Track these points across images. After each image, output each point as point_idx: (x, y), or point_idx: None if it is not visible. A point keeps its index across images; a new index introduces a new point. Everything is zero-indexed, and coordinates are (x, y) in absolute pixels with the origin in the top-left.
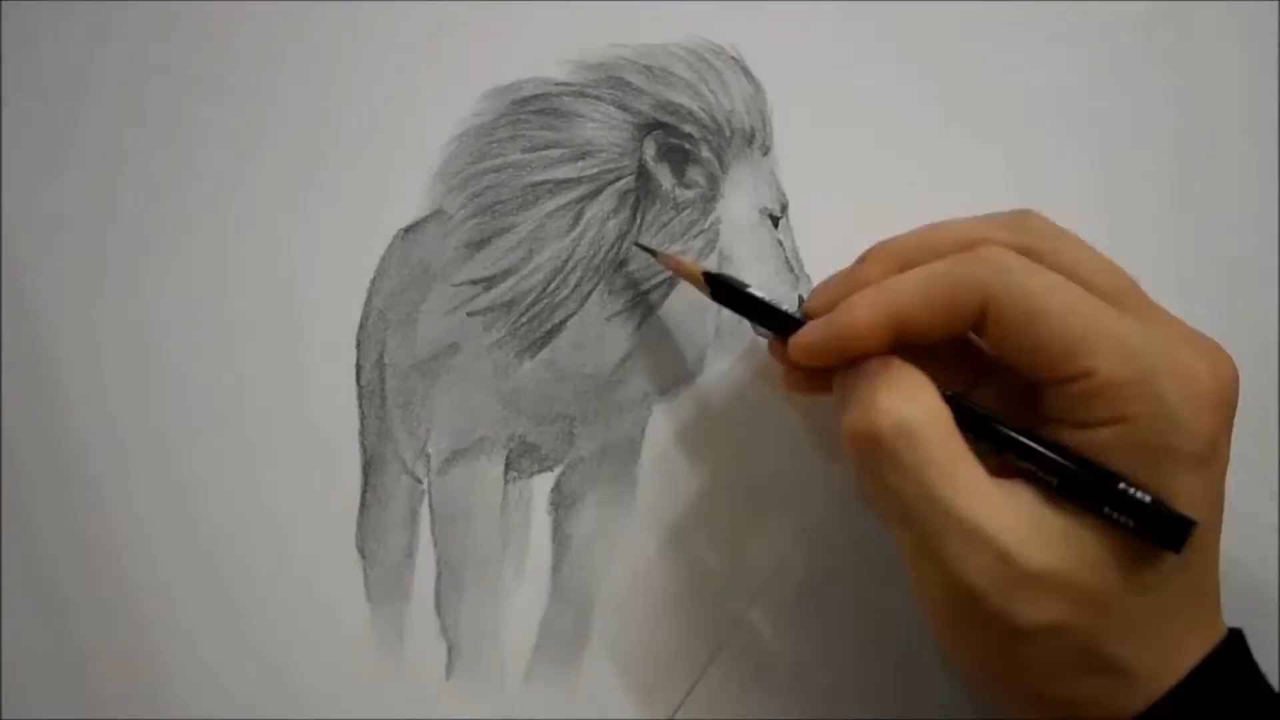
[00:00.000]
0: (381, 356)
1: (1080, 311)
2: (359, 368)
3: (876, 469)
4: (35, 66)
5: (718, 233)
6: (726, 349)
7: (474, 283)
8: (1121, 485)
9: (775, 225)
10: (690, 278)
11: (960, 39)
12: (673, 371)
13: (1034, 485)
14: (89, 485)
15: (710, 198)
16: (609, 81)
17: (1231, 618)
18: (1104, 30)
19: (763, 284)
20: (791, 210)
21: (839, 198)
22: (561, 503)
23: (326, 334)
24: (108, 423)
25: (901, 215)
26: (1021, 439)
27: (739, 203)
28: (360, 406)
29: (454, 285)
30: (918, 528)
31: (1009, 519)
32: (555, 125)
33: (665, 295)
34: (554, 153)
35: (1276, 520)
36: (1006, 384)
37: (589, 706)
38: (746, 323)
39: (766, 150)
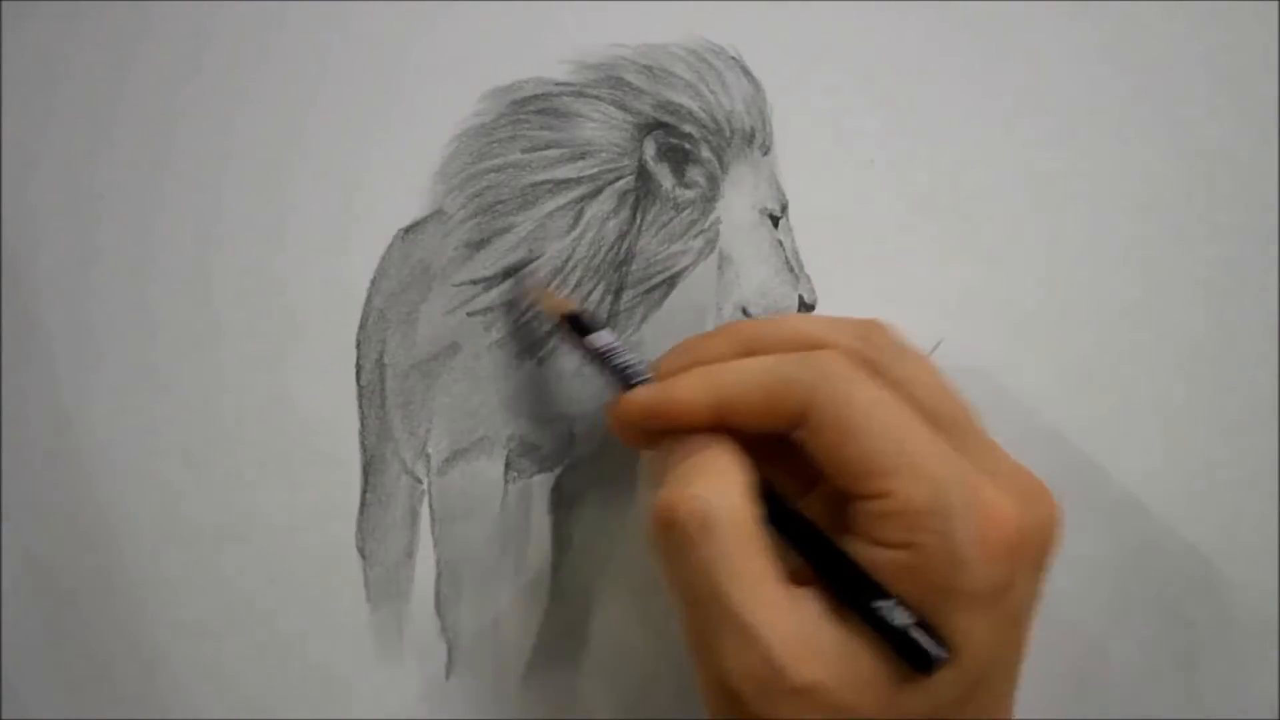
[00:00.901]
0: (381, 356)
1: (893, 433)
2: (359, 368)
3: (670, 553)
4: (18, 66)
5: (718, 233)
6: None
7: (474, 283)
8: (876, 604)
9: (775, 225)
10: (553, 311)
11: (961, 38)
12: None
13: (821, 595)
14: (88, 485)
15: (710, 198)
16: (609, 81)
17: (1231, 617)
18: (1105, 31)
19: (763, 284)
20: (791, 210)
21: (839, 198)
22: (561, 503)
23: (326, 334)
24: (107, 423)
25: (902, 215)
26: (811, 540)
27: (739, 203)
28: (360, 406)
29: (454, 285)
30: (698, 618)
31: (787, 626)
32: (555, 125)
33: (665, 295)
34: (554, 153)
35: (1277, 520)
36: (837, 491)
37: (589, 706)
38: None
39: (766, 150)
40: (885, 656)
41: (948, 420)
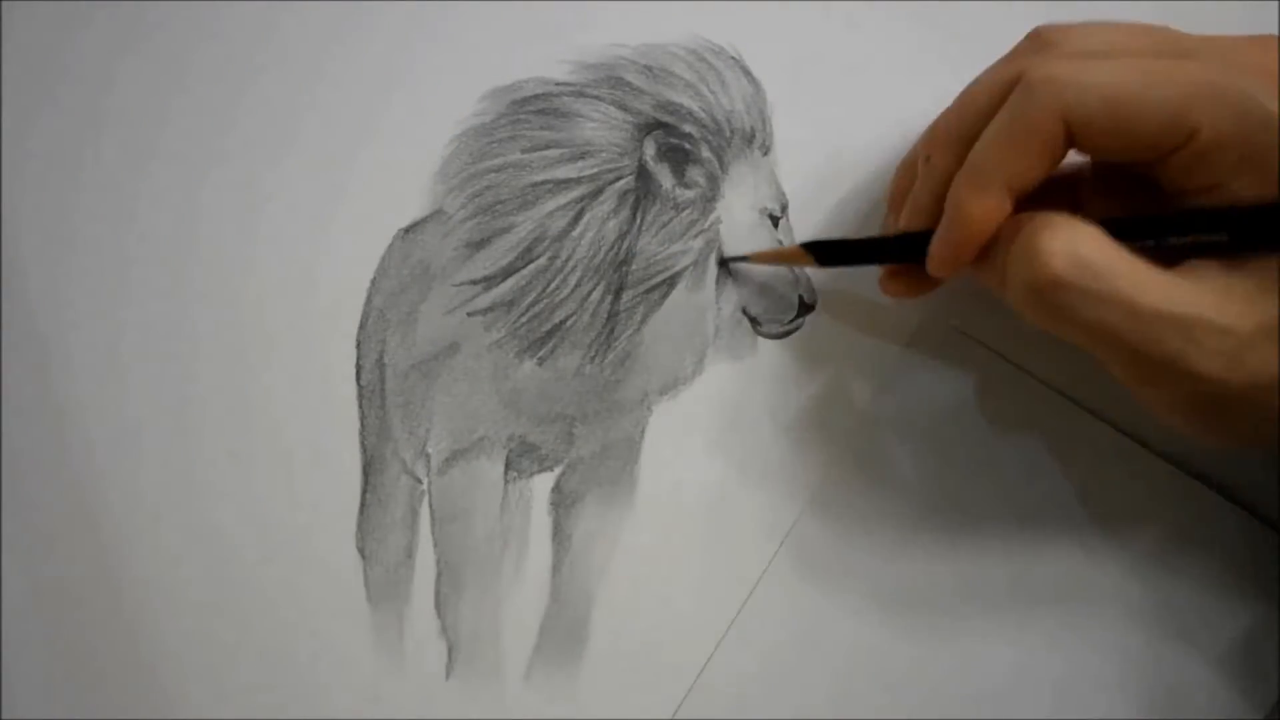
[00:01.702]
0: (381, 356)
1: (1151, 81)
2: (359, 368)
3: (1069, 310)
4: (18, 66)
5: (718, 233)
6: (726, 349)
7: (474, 283)
8: None
9: (775, 225)
10: (795, 259)
11: (961, 39)
12: (673, 371)
13: (1206, 262)
14: (88, 485)
15: (710, 198)
16: (609, 81)
17: (1232, 618)
18: None
19: (763, 284)
20: (792, 210)
21: (839, 198)
22: (561, 503)
23: (326, 334)
24: (106, 423)
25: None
26: (1184, 213)
27: (739, 203)
28: (360, 406)
29: (454, 285)
30: (1132, 347)
31: (1210, 298)
32: (555, 125)
33: (665, 295)
34: (554, 153)
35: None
36: (1116, 181)
37: (589, 706)
38: (746, 323)
39: (766, 150)
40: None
41: (1172, 46)
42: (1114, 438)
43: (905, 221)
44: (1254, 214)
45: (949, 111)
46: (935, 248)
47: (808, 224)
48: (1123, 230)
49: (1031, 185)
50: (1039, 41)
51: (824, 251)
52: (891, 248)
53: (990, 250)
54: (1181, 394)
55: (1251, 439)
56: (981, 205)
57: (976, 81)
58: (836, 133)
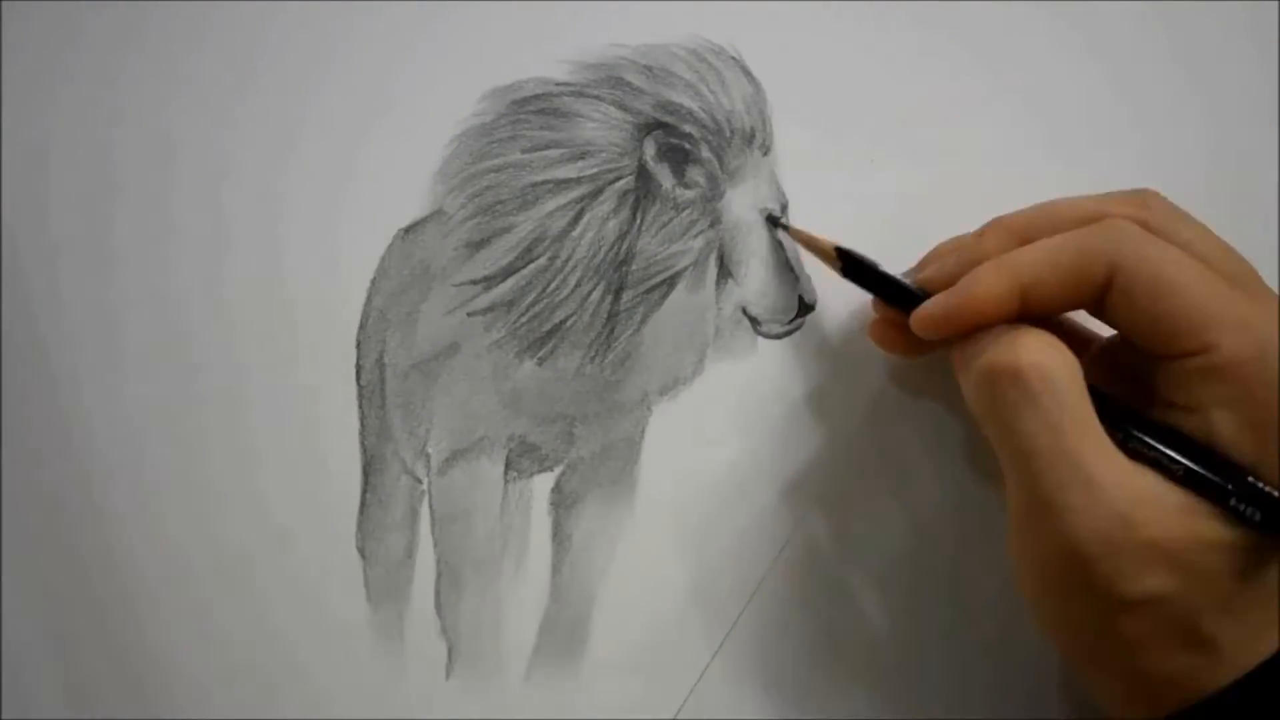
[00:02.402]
0: (381, 356)
1: (1206, 288)
2: (359, 368)
3: (1011, 406)
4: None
5: (718, 233)
6: (726, 349)
7: (474, 283)
8: (1251, 478)
9: (776, 225)
10: (823, 254)
11: (961, 38)
12: (673, 371)
13: (1154, 469)
14: (88, 485)
15: (710, 198)
16: (609, 81)
17: None
18: (1105, 33)
19: (763, 284)
20: (791, 210)
21: (839, 198)
22: (561, 503)
23: (326, 334)
24: (106, 423)
25: (902, 215)
26: (1155, 423)
27: (739, 203)
28: (360, 406)
29: (454, 285)
30: (1040, 475)
31: (1134, 484)
32: (555, 125)
33: (665, 295)
34: (554, 153)
35: None
36: (1111, 370)
37: (589, 706)
38: (746, 323)
39: (766, 150)
40: (1228, 522)
41: (1239, 277)
42: None
43: (927, 275)
44: (1215, 466)
45: (1024, 210)
46: (930, 304)
47: (808, 224)
48: (1103, 407)
49: (1043, 307)
50: (1142, 206)
51: (851, 263)
52: (903, 294)
53: (972, 340)
54: (1049, 549)
55: (1070, 639)
56: (994, 291)
57: (1068, 199)
58: (836, 133)
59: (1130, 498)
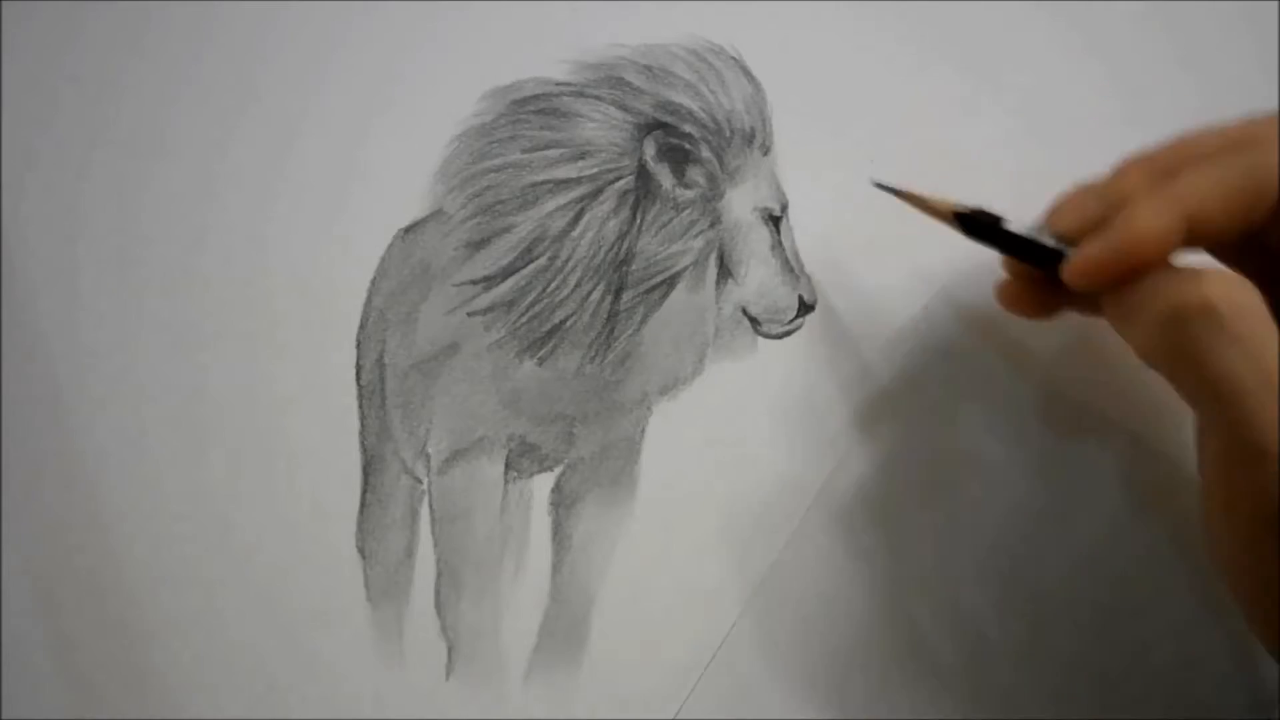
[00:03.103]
0: (381, 356)
1: None
2: (359, 368)
3: (1208, 346)
4: (18, 66)
5: (718, 233)
6: (726, 349)
7: (474, 283)
8: None
9: (776, 225)
10: (941, 216)
11: (962, 37)
12: (673, 371)
13: None
14: (88, 486)
15: (710, 198)
16: (609, 81)
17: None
18: (1102, 33)
19: (763, 284)
20: (791, 210)
21: (839, 198)
22: (561, 503)
23: (326, 334)
24: (107, 424)
25: (902, 215)
26: None
27: (739, 203)
28: (360, 406)
29: (454, 285)
30: (1250, 420)
31: None
32: (555, 125)
33: (665, 295)
34: (554, 153)
35: None
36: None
37: (589, 706)
38: (746, 323)
39: (766, 150)
40: None
41: None
42: (1128, 443)
43: (1065, 225)
44: None
45: (1158, 147)
46: (1086, 250)
47: (808, 224)
48: None
49: (1211, 238)
50: None
51: (974, 225)
52: (1041, 250)
53: (1136, 286)
54: (1257, 487)
55: (1273, 594)
56: (1158, 226)
57: (1203, 128)
58: (836, 133)
59: None
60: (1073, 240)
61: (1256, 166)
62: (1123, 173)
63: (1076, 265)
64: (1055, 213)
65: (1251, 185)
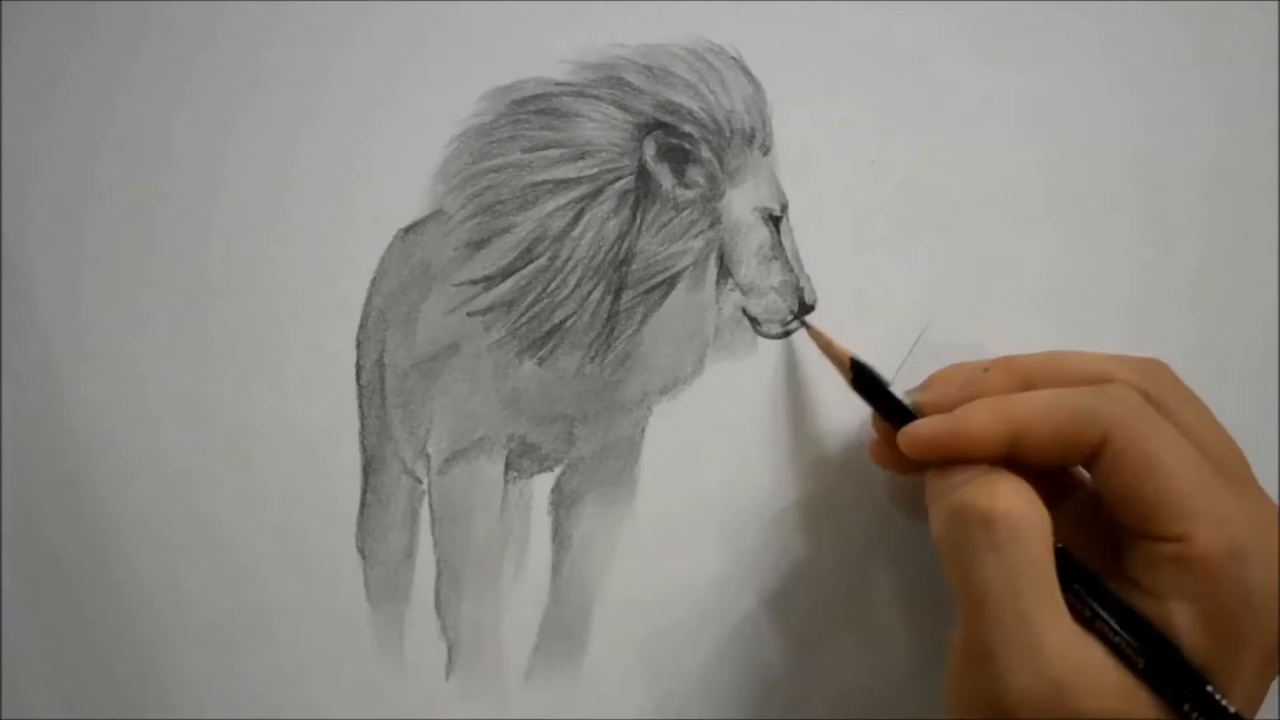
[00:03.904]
0: (381, 356)
1: (1194, 476)
2: (359, 368)
3: (974, 549)
4: (18, 66)
5: (718, 233)
6: (726, 349)
7: (474, 283)
8: (1210, 688)
9: (775, 225)
10: (836, 360)
11: (961, 39)
12: (673, 371)
13: (1103, 642)
14: (89, 485)
15: (710, 198)
16: (609, 81)
17: None
18: (1106, 31)
19: (762, 284)
20: (791, 210)
21: (839, 198)
22: (561, 503)
23: (326, 334)
24: (108, 423)
25: (902, 215)
26: (1115, 599)
27: (739, 203)
28: (360, 406)
29: (454, 285)
30: (988, 625)
31: (1078, 655)
32: (555, 125)
33: (665, 295)
34: (554, 153)
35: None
36: (1088, 523)
37: (589, 706)
38: (746, 323)
39: (766, 150)
40: (1164, 711)
41: (1229, 466)
42: None
43: (928, 398)
44: (1177, 669)
45: (1033, 355)
46: (922, 423)
47: (808, 224)
48: (1074, 575)
49: (1031, 456)
50: (1151, 377)
51: (861, 375)
52: (901, 412)
53: (951, 471)
54: (981, 699)
55: None
56: (986, 429)
57: (1079, 353)
58: (837, 133)
59: (1071, 667)
60: (929, 414)
61: (1084, 411)
62: (991, 370)
63: (908, 433)
64: (925, 385)
65: (1075, 426)
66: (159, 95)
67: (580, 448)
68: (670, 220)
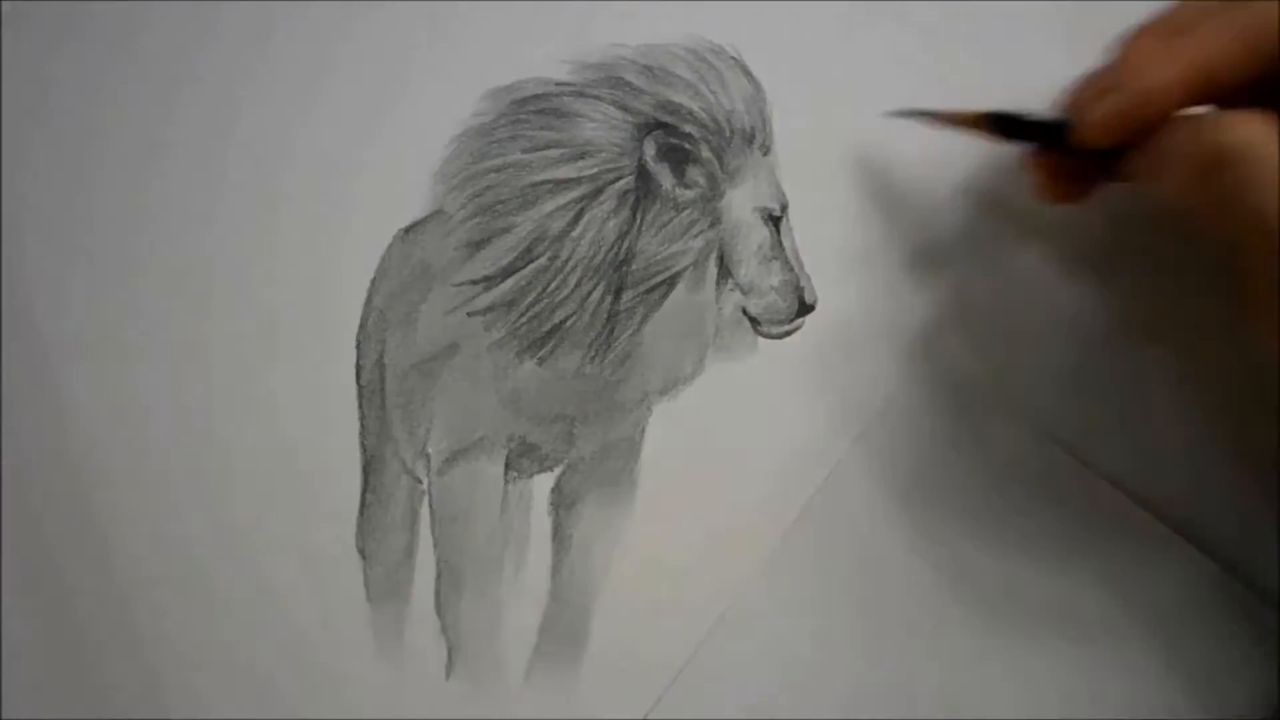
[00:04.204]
0: (381, 356)
1: None
2: (359, 368)
3: (1233, 191)
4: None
5: (718, 233)
6: (726, 349)
7: (474, 283)
8: None
9: (776, 225)
10: (968, 124)
11: (961, 39)
12: (673, 371)
13: None
14: (88, 485)
15: (710, 198)
16: (609, 81)
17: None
18: (1107, 32)
19: (763, 284)
20: (791, 210)
21: (839, 198)
22: (561, 503)
23: (326, 334)
24: (107, 424)
25: (902, 216)
26: None
27: (739, 203)
28: (360, 406)
29: (454, 285)
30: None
31: None
32: (555, 125)
33: (665, 295)
34: (554, 153)
35: (1277, 522)
36: None
37: (589, 706)
38: (746, 323)
39: (766, 150)
40: None
41: None
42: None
43: (1076, 97)
44: None
45: (1168, 7)
46: (1100, 107)
47: (808, 224)
48: None
49: (1229, 81)
50: None
51: (1003, 124)
52: (1059, 129)
53: (1158, 139)
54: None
55: None
56: (1166, 72)
57: None
58: (837, 133)
59: None
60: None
61: (1262, 11)
62: (1132, 43)
63: (1093, 120)
64: (1071, 93)
65: (1259, 38)
66: (157, 95)
67: (580, 448)
68: (670, 220)
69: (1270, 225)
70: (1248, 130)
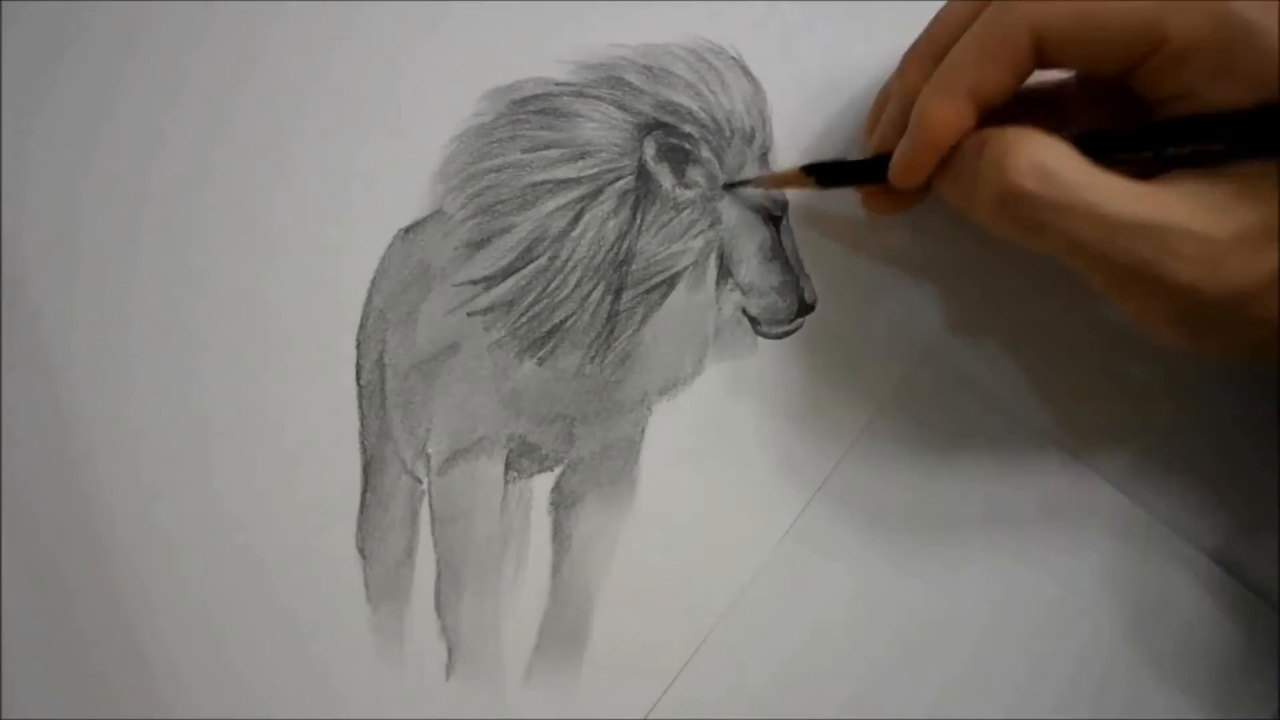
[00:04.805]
0: (381, 356)
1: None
2: (359, 368)
3: (1038, 223)
4: (17, 66)
5: (718, 233)
6: (726, 349)
7: (474, 283)
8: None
9: (776, 225)
10: (794, 182)
11: None
12: (673, 371)
13: (1185, 173)
14: (88, 485)
15: (710, 198)
16: (609, 81)
17: (1231, 623)
18: None
19: (762, 284)
20: (791, 209)
21: (839, 198)
22: (561, 503)
23: (326, 334)
24: (107, 423)
25: (901, 215)
26: (1165, 123)
27: (739, 203)
28: (360, 406)
29: (454, 285)
30: (1106, 257)
31: (1185, 206)
32: (555, 125)
33: (665, 295)
34: (554, 153)
35: (1278, 523)
36: (1091, 118)
37: (589, 706)
38: (746, 323)
39: (766, 150)
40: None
41: None
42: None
43: (878, 138)
44: (1242, 118)
45: (925, 30)
46: (897, 156)
47: (808, 224)
48: (1106, 143)
49: (997, 98)
50: None
51: (821, 173)
52: (871, 168)
53: (957, 166)
54: (1160, 304)
55: (1231, 350)
56: (942, 112)
57: (949, 3)
58: (837, 133)
59: (1191, 215)
60: (890, 150)
61: (1004, 25)
62: (905, 70)
63: (895, 170)
64: (871, 131)
65: (1008, 43)
66: (156, 94)
67: (580, 448)
68: (670, 220)
69: (1081, 241)
70: (1017, 176)
